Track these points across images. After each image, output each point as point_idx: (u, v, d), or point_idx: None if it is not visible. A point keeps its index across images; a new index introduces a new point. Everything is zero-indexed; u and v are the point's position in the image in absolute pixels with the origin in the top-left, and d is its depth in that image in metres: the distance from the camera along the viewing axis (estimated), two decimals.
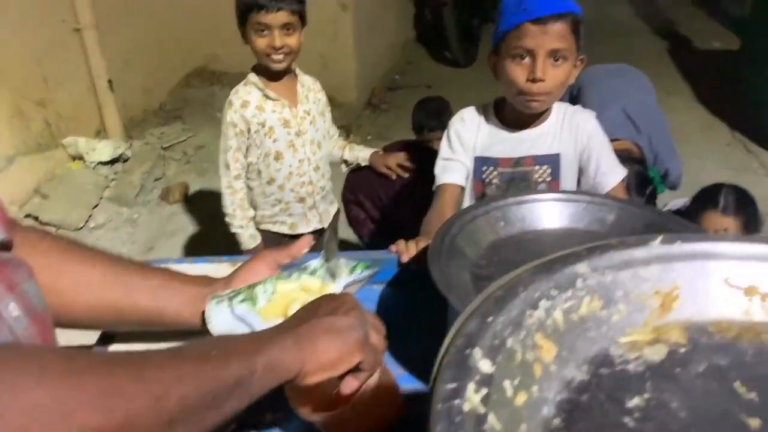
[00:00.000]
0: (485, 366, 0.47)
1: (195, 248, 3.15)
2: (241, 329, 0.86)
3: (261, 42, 1.78)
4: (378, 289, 1.22)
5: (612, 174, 1.51)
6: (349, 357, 0.68)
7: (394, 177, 2.14)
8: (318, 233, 2.12)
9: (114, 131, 3.81)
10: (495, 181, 1.55)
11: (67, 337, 0.81)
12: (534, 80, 1.38)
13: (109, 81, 3.69)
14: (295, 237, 2.07)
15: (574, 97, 2.50)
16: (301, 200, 2.02)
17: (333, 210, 2.16)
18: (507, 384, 0.47)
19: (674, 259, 0.59)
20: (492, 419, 0.44)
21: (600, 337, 0.55)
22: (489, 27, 6.11)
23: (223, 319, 0.87)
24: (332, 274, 0.93)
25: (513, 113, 1.52)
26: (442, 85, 4.81)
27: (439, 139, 2.36)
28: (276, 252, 1.00)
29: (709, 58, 5.63)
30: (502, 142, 1.54)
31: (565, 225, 1.19)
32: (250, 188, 1.98)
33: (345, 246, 2.46)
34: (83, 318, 0.90)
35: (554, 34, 1.35)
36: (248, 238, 1.99)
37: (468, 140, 1.55)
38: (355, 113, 4.54)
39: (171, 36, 4.36)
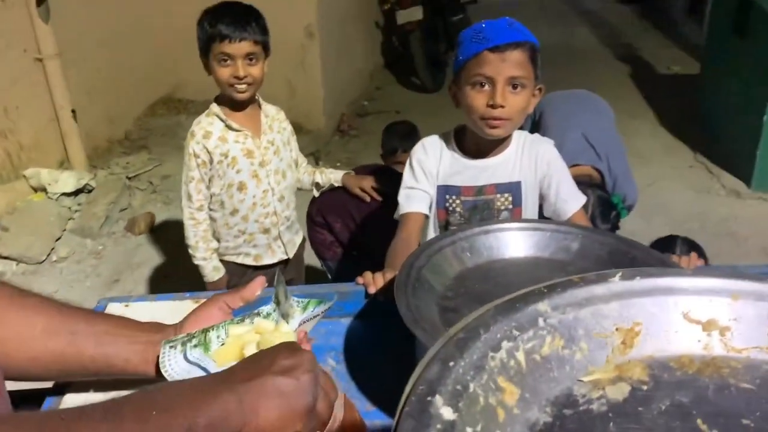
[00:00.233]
0: (447, 413, 0.46)
1: (161, 280, 3.09)
2: (195, 373, 0.83)
3: (224, 72, 1.77)
4: (345, 322, 1.21)
5: (572, 201, 1.55)
6: (291, 424, 0.66)
7: (368, 200, 2.13)
8: (283, 264, 2.10)
9: (78, 161, 3.75)
10: (458, 209, 1.57)
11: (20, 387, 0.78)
12: (494, 106, 1.40)
13: (73, 110, 3.65)
14: (260, 268, 2.05)
15: (535, 123, 2.54)
16: (266, 231, 2.00)
17: (298, 240, 2.14)
18: (470, 431, 0.46)
19: (634, 294, 0.59)
20: None
21: (563, 377, 0.54)
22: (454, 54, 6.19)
23: (177, 364, 0.85)
24: (285, 316, 0.92)
25: (474, 142, 1.54)
26: (411, 111, 4.84)
27: None
28: (227, 296, 0.97)
29: (669, 82, 5.78)
30: (464, 171, 1.56)
31: (530, 254, 1.20)
32: (213, 219, 1.96)
33: (310, 273, 2.44)
34: (28, 369, 0.86)
35: (512, 62, 1.39)
36: (211, 270, 1.96)
37: (430, 169, 1.57)
38: (325, 140, 4.55)
39: (136, 64, 4.33)
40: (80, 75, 3.78)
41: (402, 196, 1.58)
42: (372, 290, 1.19)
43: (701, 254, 2.06)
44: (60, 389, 0.97)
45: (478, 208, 1.56)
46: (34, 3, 3.38)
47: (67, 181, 3.52)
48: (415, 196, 1.56)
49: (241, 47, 1.75)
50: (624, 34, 7.45)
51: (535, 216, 1.61)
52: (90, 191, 3.65)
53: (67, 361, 0.87)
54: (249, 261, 2.04)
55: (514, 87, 1.41)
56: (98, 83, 4.02)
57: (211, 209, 1.95)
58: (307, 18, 4.28)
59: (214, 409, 0.61)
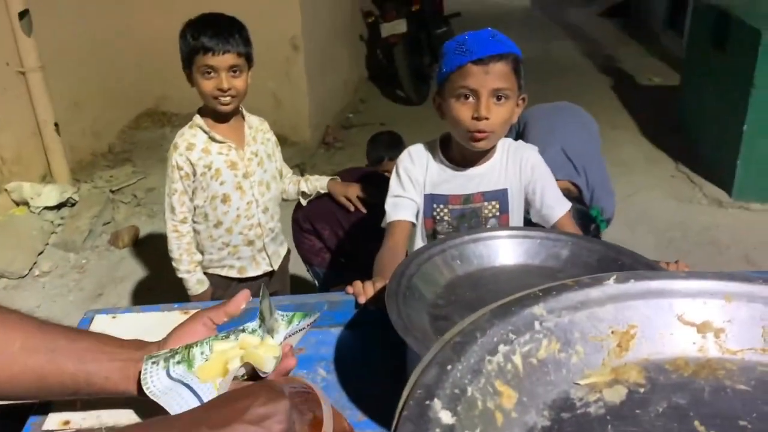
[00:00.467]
0: (446, 417, 0.45)
1: (145, 293, 3.06)
2: (178, 390, 0.82)
3: (208, 84, 1.77)
4: (336, 331, 1.20)
5: (557, 207, 1.56)
6: None
7: (352, 209, 2.13)
8: (268, 276, 2.08)
9: (61, 175, 3.71)
10: (446, 218, 1.57)
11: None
12: (479, 118, 1.40)
13: (56, 124, 3.61)
14: (244, 281, 2.03)
15: (519, 134, 2.56)
16: (250, 243, 1.98)
17: (283, 251, 2.13)
18: None
19: (629, 297, 0.59)
20: None
21: (560, 381, 0.54)
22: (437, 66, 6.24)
23: (159, 380, 0.83)
24: (270, 330, 0.91)
25: (459, 151, 1.55)
26: (395, 123, 4.86)
27: None
28: (211, 311, 0.94)
29: (650, 93, 5.86)
30: (451, 180, 1.56)
31: (520, 261, 1.20)
32: (197, 232, 1.94)
33: (296, 284, 2.43)
34: (6, 388, 0.83)
35: (496, 74, 1.39)
36: (195, 283, 1.94)
37: (417, 178, 1.57)
38: (310, 152, 4.54)
39: (120, 77, 4.31)
40: (63, 88, 3.75)
41: (389, 204, 1.58)
42: (362, 300, 1.18)
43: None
44: (45, 407, 0.94)
45: (465, 217, 1.57)
46: (16, 16, 3.35)
47: (50, 194, 3.48)
48: (402, 205, 1.56)
49: (224, 60, 1.74)
50: (606, 46, 7.56)
51: (521, 221, 1.61)
52: (73, 205, 3.61)
53: (46, 378, 0.84)
54: (233, 273, 2.02)
55: (498, 98, 1.42)
56: (81, 96, 3.99)
57: (194, 221, 1.93)
58: (292, 30, 4.29)
59: None
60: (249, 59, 1.81)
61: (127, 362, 0.87)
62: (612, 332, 0.58)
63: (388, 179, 1.63)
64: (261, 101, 3.96)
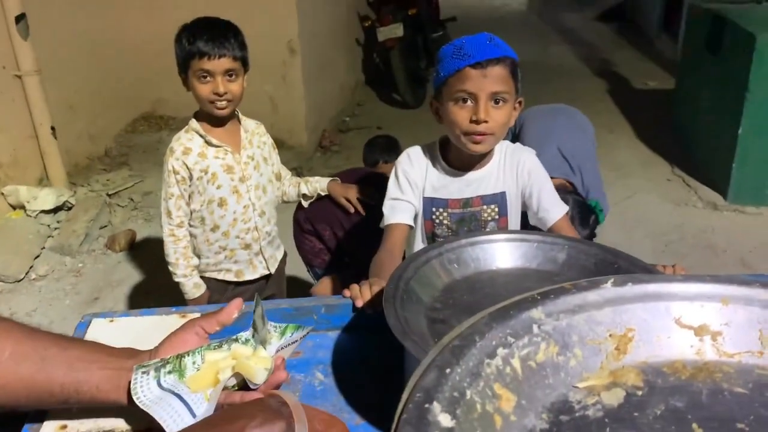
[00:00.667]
0: (445, 420, 0.46)
1: (142, 297, 3.05)
2: (168, 400, 0.81)
3: (204, 89, 1.77)
4: (333, 335, 1.20)
5: (553, 210, 1.57)
6: None
7: (352, 210, 2.13)
8: (265, 279, 2.08)
9: (57, 179, 3.70)
10: (445, 221, 1.57)
11: None
12: (477, 121, 1.41)
13: (52, 127, 3.60)
14: (241, 284, 2.03)
15: (516, 135, 2.58)
16: (247, 246, 1.98)
17: (280, 255, 2.13)
18: None
19: (626, 301, 0.59)
20: None
21: (558, 384, 0.55)
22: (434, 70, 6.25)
23: (150, 390, 0.83)
24: (263, 342, 0.91)
25: (458, 155, 1.55)
26: (392, 126, 4.86)
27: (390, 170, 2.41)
28: (203, 320, 0.93)
29: (645, 97, 5.88)
30: (450, 184, 1.57)
31: (517, 265, 1.20)
32: (193, 236, 1.94)
33: (292, 287, 2.42)
34: None
35: (494, 78, 1.40)
36: (192, 287, 1.94)
37: (415, 180, 1.58)
38: (306, 155, 4.54)
39: (117, 81, 4.31)
40: (60, 92, 3.75)
41: (387, 207, 1.58)
42: (359, 303, 1.18)
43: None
44: (40, 415, 0.94)
45: (465, 220, 1.57)
46: (13, 19, 3.35)
47: (46, 198, 3.47)
48: (400, 208, 1.56)
49: (220, 64, 1.74)
50: (601, 50, 7.58)
51: (518, 224, 1.62)
52: (69, 208, 3.60)
53: (35, 387, 0.83)
54: (230, 277, 2.02)
55: (496, 102, 1.42)
56: (78, 100, 3.98)
57: (191, 225, 1.93)
58: (289, 34, 4.30)
59: None
60: (245, 63, 1.81)
61: (118, 371, 0.86)
62: (610, 335, 0.58)
63: (387, 180, 1.64)
64: (258, 105, 3.96)
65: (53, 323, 2.81)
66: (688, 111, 4.64)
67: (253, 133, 1.96)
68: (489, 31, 1.49)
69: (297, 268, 2.41)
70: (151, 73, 4.34)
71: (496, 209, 1.57)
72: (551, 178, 2.19)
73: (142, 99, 4.57)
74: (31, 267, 3.21)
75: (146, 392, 0.82)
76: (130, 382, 0.83)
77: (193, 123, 1.86)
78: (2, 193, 3.42)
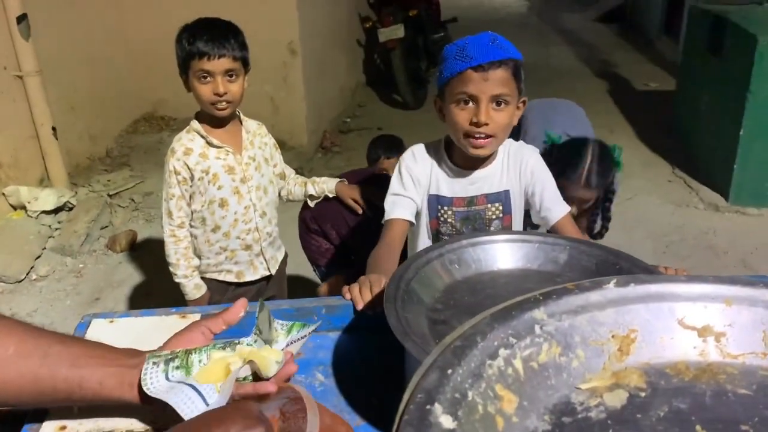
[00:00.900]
0: (446, 422, 0.45)
1: (143, 298, 3.05)
2: (180, 387, 0.82)
3: (204, 89, 1.76)
4: (334, 336, 1.20)
5: (556, 209, 1.57)
6: None
7: (360, 211, 2.13)
8: (266, 280, 2.08)
9: (58, 179, 3.70)
10: (450, 219, 1.58)
11: None
12: (477, 124, 1.41)
13: (53, 128, 3.60)
14: (242, 285, 2.03)
15: (516, 127, 2.57)
16: (248, 247, 1.98)
17: (280, 256, 2.12)
18: None
19: (629, 301, 0.59)
20: None
21: (560, 385, 0.54)
22: (437, 70, 6.25)
23: (159, 381, 0.83)
24: (269, 342, 0.91)
25: (462, 154, 1.54)
26: (393, 127, 4.85)
27: (394, 167, 2.43)
28: (209, 320, 0.94)
29: (646, 98, 5.88)
30: (455, 183, 1.57)
31: (519, 265, 1.20)
32: (194, 236, 1.93)
33: (292, 287, 2.42)
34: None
35: (496, 80, 1.39)
36: (193, 288, 1.93)
37: (419, 177, 1.57)
38: (307, 156, 4.54)
39: (118, 81, 4.31)
40: (61, 92, 3.75)
41: (388, 202, 1.57)
42: (360, 306, 1.18)
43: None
44: (40, 414, 0.93)
45: (469, 219, 1.58)
46: (14, 20, 3.35)
47: (47, 198, 3.47)
48: (401, 203, 1.55)
49: (220, 64, 1.74)
50: (602, 51, 7.58)
51: (521, 222, 1.62)
52: (70, 209, 3.60)
53: (39, 383, 0.83)
54: (231, 278, 2.02)
55: (498, 104, 1.42)
56: (79, 100, 3.98)
57: (192, 226, 1.92)
58: (290, 35, 4.30)
59: None
60: (245, 64, 1.81)
61: (122, 368, 0.86)
62: (613, 336, 0.57)
63: (390, 178, 1.64)
64: (258, 106, 3.96)
65: (54, 324, 2.81)
66: (689, 112, 4.64)
67: (255, 133, 1.96)
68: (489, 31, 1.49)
69: (298, 269, 2.41)
70: (152, 73, 4.34)
71: (501, 207, 1.57)
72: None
73: (143, 99, 4.57)
74: (31, 267, 3.20)
75: (155, 383, 0.83)
76: (139, 378, 0.84)
77: (195, 124, 1.86)
78: (3, 194, 3.42)
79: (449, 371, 0.49)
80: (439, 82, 1.51)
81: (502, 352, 0.53)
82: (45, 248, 3.33)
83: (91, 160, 4.15)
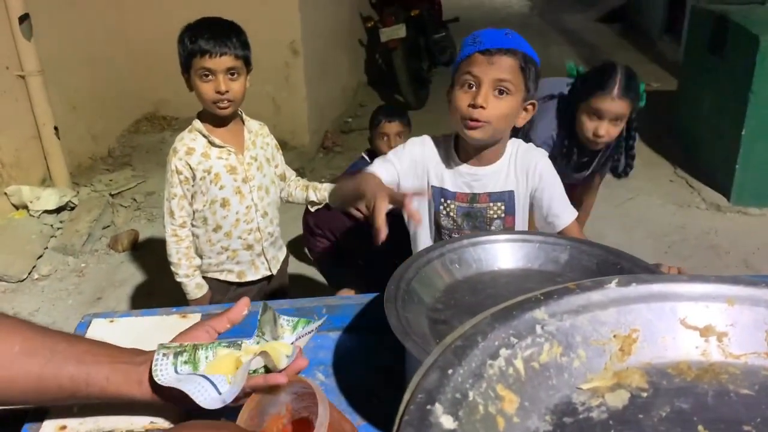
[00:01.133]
0: (447, 422, 0.45)
1: (144, 297, 3.05)
2: (189, 379, 0.82)
3: (206, 87, 1.76)
4: (334, 336, 1.20)
5: (564, 215, 1.56)
6: None
7: (361, 216, 2.12)
8: (267, 280, 2.08)
9: (60, 179, 3.70)
10: (451, 213, 1.57)
11: None
12: (474, 106, 1.40)
13: (55, 128, 3.61)
14: (243, 285, 2.03)
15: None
16: (249, 247, 1.98)
17: (282, 256, 2.12)
18: None
19: (631, 301, 0.58)
20: None
21: (561, 385, 0.54)
22: (438, 70, 6.26)
23: (168, 372, 0.84)
24: (275, 339, 0.91)
25: (467, 149, 1.54)
26: None
27: (394, 131, 2.43)
28: (214, 320, 0.94)
29: (648, 98, 5.84)
30: (459, 177, 1.56)
31: (519, 265, 1.19)
32: (196, 236, 1.93)
33: (298, 285, 2.43)
34: (4, 392, 0.83)
35: (500, 66, 1.40)
36: (194, 287, 1.93)
37: (420, 161, 1.56)
38: (309, 156, 4.54)
39: (120, 81, 4.31)
40: (63, 92, 3.75)
41: (375, 162, 1.53)
42: (383, 235, 1.08)
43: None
44: (40, 414, 0.93)
45: (470, 216, 1.56)
46: (16, 20, 3.35)
47: (49, 198, 3.47)
48: (386, 168, 1.50)
49: (221, 62, 1.74)
50: (604, 51, 7.57)
51: (526, 223, 1.61)
52: (72, 208, 3.60)
53: (45, 380, 0.84)
54: (232, 278, 2.02)
55: (500, 92, 1.41)
56: (81, 100, 3.98)
57: (193, 226, 1.92)
58: (292, 35, 4.29)
59: None
60: (247, 62, 1.81)
61: (128, 365, 0.87)
62: (614, 336, 0.57)
63: None
64: (260, 106, 3.96)
65: (56, 323, 2.81)
66: (691, 112, 4.63)
67: (257, 133, 1.96)
68: None
69: (299, 269, 2.41)
70: (153, 73, 4.35)
71: (503, 207, 1.56)
72: None
73: (145, 99, 4.57)
74: (33, 267, 3.21)
75: (165, 373, 0.84)
76: (151, 366, 0.84)
77: (197, 123, 1.86)
78: (5, 193, 3.43)
79: (450, 371, 0.49)
80: (452, 70, 1.52)
81: (503, 352, 0.52)
82: (47, 248, 3.33)
83: (93, 160, 4.15)
